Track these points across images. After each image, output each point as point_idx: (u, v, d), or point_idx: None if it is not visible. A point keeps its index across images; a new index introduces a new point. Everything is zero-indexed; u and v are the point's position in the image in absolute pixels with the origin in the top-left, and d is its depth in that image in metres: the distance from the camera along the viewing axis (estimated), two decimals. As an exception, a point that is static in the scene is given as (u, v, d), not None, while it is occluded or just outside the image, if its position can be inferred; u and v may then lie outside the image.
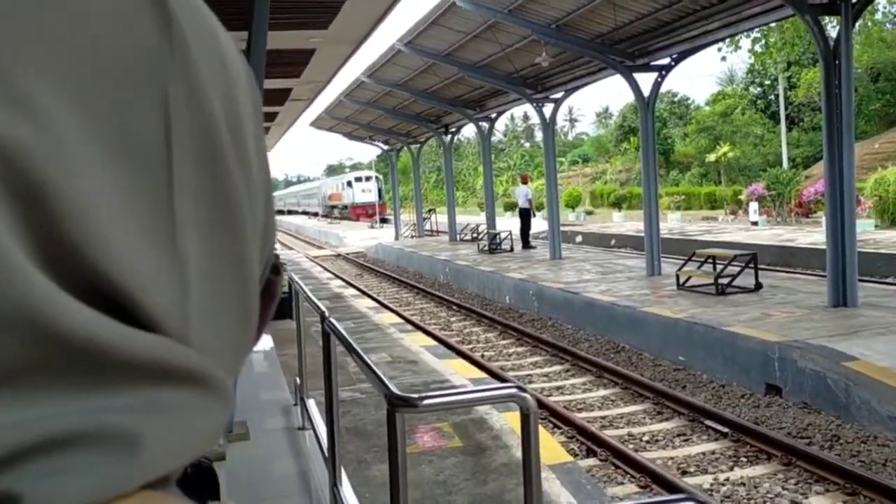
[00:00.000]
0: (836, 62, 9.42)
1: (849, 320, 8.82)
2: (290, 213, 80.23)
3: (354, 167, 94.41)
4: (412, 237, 31.26)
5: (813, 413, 7.12)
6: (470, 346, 11.72)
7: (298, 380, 5.73)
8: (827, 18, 9.94)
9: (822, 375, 7.19)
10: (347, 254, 30.42)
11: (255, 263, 0.34)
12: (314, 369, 5.42)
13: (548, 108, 18.08)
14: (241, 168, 0.33)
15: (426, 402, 2.62)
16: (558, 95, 17.80)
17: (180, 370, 0.28)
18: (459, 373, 8.15)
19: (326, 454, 4.23)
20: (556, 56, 14.87)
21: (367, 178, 52.17)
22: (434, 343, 10.48)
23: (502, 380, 8.77)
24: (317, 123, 30.37)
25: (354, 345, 3.39)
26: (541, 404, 7.90)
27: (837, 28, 9.68)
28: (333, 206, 57.64)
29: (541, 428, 6.52)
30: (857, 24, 11.00)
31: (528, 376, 9.76)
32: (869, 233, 20.58)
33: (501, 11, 13.52)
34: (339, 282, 19.61)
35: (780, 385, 7.76)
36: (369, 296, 17.10)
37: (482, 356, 10.91)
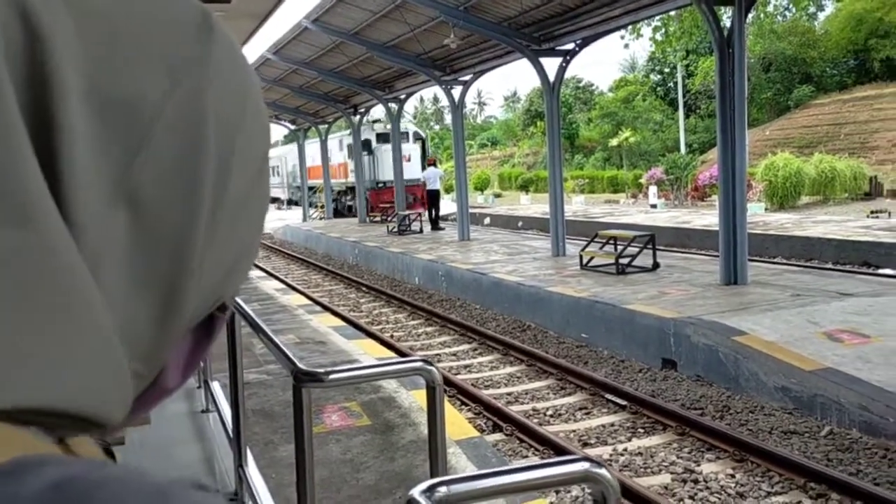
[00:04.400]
0: (730, 51, 9.84)
1: (739, 297, 9.30)
2: None
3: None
4: (321, 219, 30.89)
5: (706, 385, 7.49)
6: (379, 327, 11.73)
7: (202, 362, 5.61)
8: (723, 9, 10.37)
9: (713, 349, 7.57)
10: (254, 236, 29.76)
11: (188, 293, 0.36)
12: (219, 351, 5.31)
13: (456, 91, 18.15)
14: (217, 205, 0.36)
15: (332, 376, 2.63)
16: (467, 78, 17.89)
17: None
18: (368, 353, 8.15)
19: (231, 436, 4.17)
20: (465, 38, 14.95)
21: (403, 134, 26.65)
22: (343, 324, 10.43)
23: (411, 359, 8.84)
24: (221, 101, 29.49)
25: (260, 322, 3.35)
26: (449, 382, 8.01)
27: (731, 18, 10.10)
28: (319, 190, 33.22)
29: (449, 405, 6.62)
30: (750, 15, 11.54)
31: (437, 355, 9.85)
32: (759, 215, 21.71)
33: (410, -9, 13.47)
34: (245, 264, 19.19)
35: (675, 359, 8.13)
36: (276, 277, 16.83)
37: (391, 336, 10.94)
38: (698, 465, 5.79)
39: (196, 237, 0.35)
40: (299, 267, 20.30)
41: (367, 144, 28.56)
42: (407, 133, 29.42)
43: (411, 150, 28.73)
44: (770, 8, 39.36)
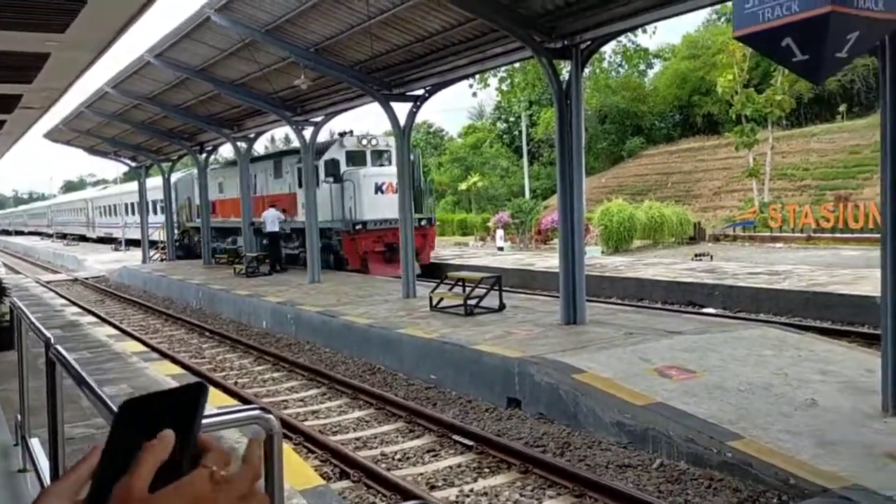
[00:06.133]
0: (568, 102, 10.43)
1: (578, 336, 9.72)
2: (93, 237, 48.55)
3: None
4: (162, 260, 29.47)
5: (548, 423, 7.72)
6: (223, 374, 11.27)
7: (20, 417, 5.14)
8: (562, 63, 11.02)
9: (555, 387, 7.84)
10: (87, 278, 27.94)
11: None
12: (41, 404, 4.90)
13: (308, 132, 18.05)
14: None
15: (160, 430, 2.47)
16: (318, 119, 17.86)
17: None
18: (210, 402, 7.79)
19: (50, 497, 3.82)
20: (316, 80, 14.94)
21: (385, 154, 21.79)
22: (183, 371, 9.93)
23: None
24: (53, 135, 27.65)
25: (82, 372, 3.12)
26: (295, 429, 7.80)
27: (569, 72, 10.74)
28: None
29: (293, 453, 6.44)
30: (586, 70, 12.34)
31: (283, 402, 9.58)
32: (597, 258, 22.92)
33: (259, 31, 13.33)
34: (76, 309, 17.91)
35: (519, 398, 8.34)
36: (110, 323, 15.81)
37: (236, 383, 10.54)
38: (540, 503, 5.93)
39: None
40: (137, 312, 19.20)
41: (332, 167, 20.96)
42: (388, 152, 21.52)
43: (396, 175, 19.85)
44: (605, 64, 42.24)
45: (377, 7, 11.42)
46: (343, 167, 20.95)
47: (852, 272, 15.52)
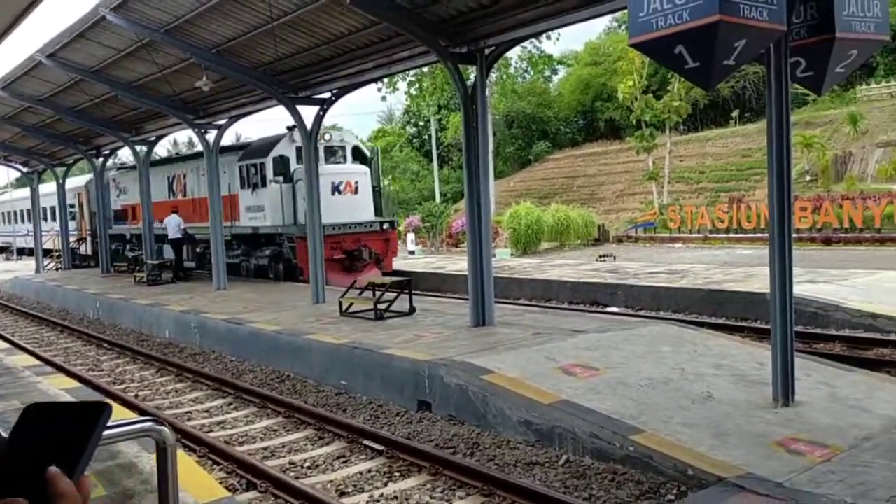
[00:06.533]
0: (474, 106, 10.55)
1: (487, 338, 9.83)
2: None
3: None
4: (57, 269, 28.11)
5: (458, 424, 7.77)
6: (122, 387, 10.83)
7: None
8: (468, 68, 11.13)
9: (464, 389, 7.89)
10: (-26, 290, 26.34)
11: None
12: (-84, 425, 4.56)
13: (211, 135, 17.59)
14: None
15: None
16: (222, 122, 17.43)
17: None
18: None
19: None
20: (219, 82, 14.58)
21: (340, 150, 19.76)
22: (79, 385, 9.51)
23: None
24: (-66, 138, 25.98)
25: (-40, 391, 2.94)
26: (200, 441, 7.57)
27: (474, 76, 10.85)
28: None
29: (196, 466, 6.25)
30: (492, 75, 12.52)
31: (187, 413, 9.28)
32: (506, 260, 23.26)
33: (157, 31, 12.90)
34: (-38, 322, 16.90)
35: (430, 401, 8.36)
36: (0, 337, 14.96)
37: (136, 396, 10.15)
38: (451, 504, 5.96)
39: None
40: (29, 324, 18.24)
41: (281, 165, 18.69)
42: (343, 148, 19.62)
43: (356, 174, 18.84)
44: (511, 69, 42.93)
45: (280, 9, 11.25)
46: (294, 165, 18.68)
47: (745, 270, 16.31)
